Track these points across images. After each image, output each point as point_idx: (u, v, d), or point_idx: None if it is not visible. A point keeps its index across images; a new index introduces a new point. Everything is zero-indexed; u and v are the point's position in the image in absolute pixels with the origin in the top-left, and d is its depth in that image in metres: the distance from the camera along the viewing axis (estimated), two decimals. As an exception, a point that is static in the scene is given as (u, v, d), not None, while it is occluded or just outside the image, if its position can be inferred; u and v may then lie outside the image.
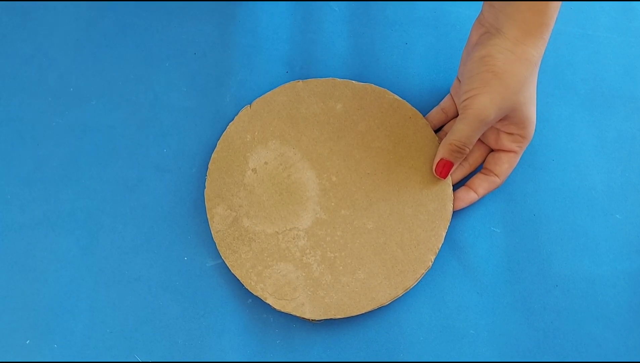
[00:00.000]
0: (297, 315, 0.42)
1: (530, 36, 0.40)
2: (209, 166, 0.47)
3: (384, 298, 0.43)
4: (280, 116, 0.48)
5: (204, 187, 0.46)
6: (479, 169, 0.48)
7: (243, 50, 0.52)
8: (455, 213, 0.46)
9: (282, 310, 0.43)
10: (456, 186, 0.47)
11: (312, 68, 0.52)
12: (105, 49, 0.52)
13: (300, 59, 0.52)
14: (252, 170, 0.46)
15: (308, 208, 0.45)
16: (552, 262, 0.46)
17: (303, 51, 0.52)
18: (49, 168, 0.48)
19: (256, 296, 0.44)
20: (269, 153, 0.47)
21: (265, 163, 0.46)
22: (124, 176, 0.48)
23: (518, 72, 0.40)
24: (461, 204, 0.46)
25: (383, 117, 0.48)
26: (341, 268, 0.44)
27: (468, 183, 0.46)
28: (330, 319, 0.43)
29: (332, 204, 0.45)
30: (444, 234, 0.44)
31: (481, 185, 0.46)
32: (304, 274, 0.43)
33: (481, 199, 0.47)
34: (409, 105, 0.48)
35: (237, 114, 0.48)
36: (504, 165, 0.45)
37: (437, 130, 0.49)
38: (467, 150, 0.43)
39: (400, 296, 0.43)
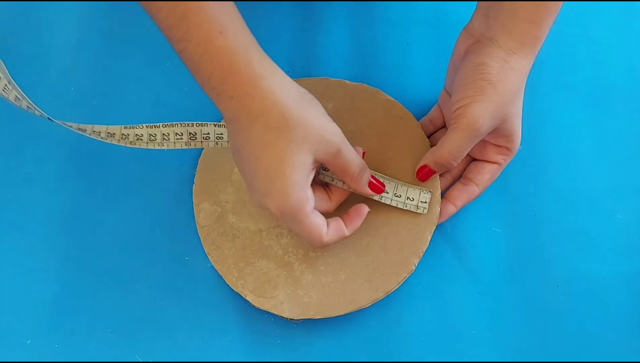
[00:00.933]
0: (276, 313, 0.42)
1: (524, 47, 0.40)
2: (198, 162, 0.47)
3: (363, 301, 0.42)
4: None
5: (192, 182, 0.46)
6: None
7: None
8: (456, 212, 0.46)
9: (261, 308, 0.42)
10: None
11: (313, 68, 0.52)
12: (105, 49, 0.52)
13: (301, 59, 0.52)
14: None
15: None
16: (553, 262, 0.46)
17: (304, 51, 0.52)
18: (49, 168, 0.48)
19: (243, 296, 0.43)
20: None
21: None
22: (124, 176, 0.48)
23: (511, 82, 0.40)
24: (440, 219, 0.44)
25: (374, 118, 0.47)
26: (322, 268, 0.43)
27: (446, 195, 0.45)
28: (309, 319, 0.42)
29: None
30: (430, 237, 0.43)
31: (459, 197, 0.44)
32: (284, 272, 0.43)
33: (482, 199, 0.47)
34: (400, 105, 0.47)
35: None
36: (486, 175, 0.44)
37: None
38: (455, 164, 0.42)
39: (394, 291, 0.43)
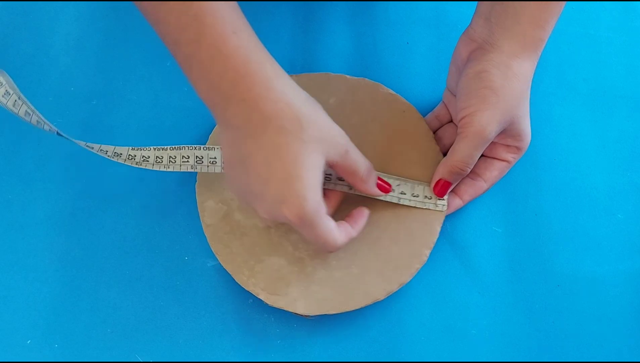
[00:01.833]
0: (290, 310, 0.42)
1: (527, 50, 0.40)
2: None
3: (378, 293, 0.42)
4: None
5: (194, 181, 0.45)
6: None
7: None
8: (457, 212, 0.46)
9: (275, 306, 0.42)
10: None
11: (313, 67, 0.52)
12: (105, 48, 0.52)
13: (301, 59, 0.52)
14: None
15: None
16: (554, 262, 0.46)
17: (305, 51, 0.52)
18: (49, 168, 0.48)
19: (255, 295, 0.43)
20: None
21: None
22: (124, 176, 0.48)
23: (515, 87, 0.40)
24: (447, 211, 0.44)
25: (376, 111, 0.47)
26: (334, 262, 0.43)
27: (454, 189, 0.45)
28: (326, 315, 0.42)
29: None
30: (439, 228, 0.44)
31: (467, 191, 0.45)
32: (296, 269, 0.43)
33: (482, 199, 0.47)
34: (402, 99, 0.47)
35: None
36: (494, 172, 0.45)
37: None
38: (468, 170, 0.42)
39: (396, 292, 0.42)
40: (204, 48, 0.33)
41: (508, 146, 0.44)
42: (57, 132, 0.41)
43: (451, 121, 0.47)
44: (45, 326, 0.44)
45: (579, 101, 0.52)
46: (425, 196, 0.44)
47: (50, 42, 0.52)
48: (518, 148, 0.44)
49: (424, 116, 0.48)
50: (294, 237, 0.43)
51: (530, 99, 0.42)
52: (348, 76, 0.48)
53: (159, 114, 0.50)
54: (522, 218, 0.48)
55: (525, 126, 0.43)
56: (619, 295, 0.46)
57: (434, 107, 0.49)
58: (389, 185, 0.43)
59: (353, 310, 0.42)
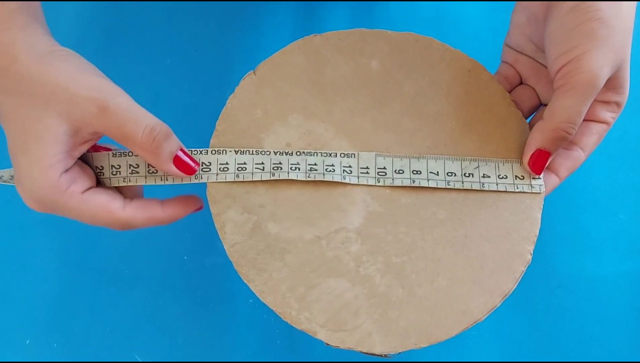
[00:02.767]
0: (364, 351, 0.32)
1: None
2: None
3: (478, 310, 0.33)
4: (298, 83, 0.36)
5: (205, 186, 0.35)
6: None
7: (245, 48, 0.52)
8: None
9: (341, 347, 0.31)
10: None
11: (313, 67, 0.52)
12: (105, 47, 0.52)
13: (301, 59, 0.52)
14: None
15: (355, 199, 0.34)
16: (556, 262, 0.46)
17: (304, 51, 0.52)
18: (50, 167, 0.48)
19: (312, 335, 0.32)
20: (290, 131, 0.35)
21: (288, 144, 0.35)
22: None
23: (627, 18, 0.32)
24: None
25: (435, 73, 0.37)
26: (413, 276, 0.33)
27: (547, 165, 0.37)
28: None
29: (387, 191, 0.35)
30: (540, 216, 0.34)
31: (563, 164, 0.36)
32: (364, 291, 0.32)
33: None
34: (464, 54, 0.38)
35: None
36: (593, 137, 0.36)
37: None
38: (574, 133, 0.34)
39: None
40: None
41: (607, 102, 0.35)
42: None
43: (521, 82, 0.39)
44: (44, 325, 0.44)
45: (581, 100, 0.51)
46: (516, 176, 0.35)
47: (51, 42, 0.52)
48: (617, 104, 0.36)
49: None
50: (354, 248, 0.33)
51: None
52: (389, 31, 0.38)
53: (159, 114, 0.50)
54: (523, 218, 0.47)
55: (628, 74, 0.34)
56: (620, 296, 0.45)
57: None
58: (197, 164, 0.32)
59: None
